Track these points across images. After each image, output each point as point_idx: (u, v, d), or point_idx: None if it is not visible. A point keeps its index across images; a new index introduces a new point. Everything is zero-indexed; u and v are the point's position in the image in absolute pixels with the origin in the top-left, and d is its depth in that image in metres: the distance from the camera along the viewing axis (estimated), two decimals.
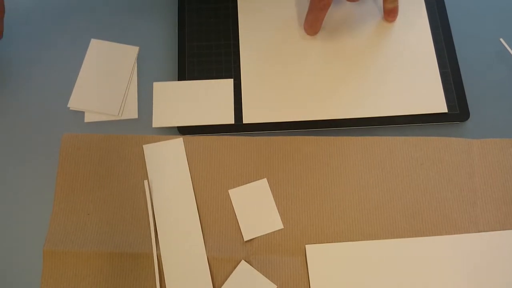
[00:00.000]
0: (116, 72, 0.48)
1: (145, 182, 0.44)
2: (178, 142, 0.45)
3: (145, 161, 0.45)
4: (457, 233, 0.42)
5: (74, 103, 0.47)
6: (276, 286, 0.41)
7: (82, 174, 0.44)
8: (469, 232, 0.42)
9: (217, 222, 0.43)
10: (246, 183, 0.44)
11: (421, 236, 0.42)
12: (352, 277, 0.41)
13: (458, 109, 0.46)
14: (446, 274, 0.41)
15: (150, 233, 0.42)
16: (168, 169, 0.44)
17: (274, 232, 0.43)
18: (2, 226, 0.44)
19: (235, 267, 0.41)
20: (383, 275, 0.41)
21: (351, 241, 0.42)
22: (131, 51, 0.49)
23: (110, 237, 0.42)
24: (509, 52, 0.48)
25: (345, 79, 0.48)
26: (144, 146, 0.45)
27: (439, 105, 0.46)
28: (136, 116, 0.47)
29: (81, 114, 0.47)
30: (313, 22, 0.48)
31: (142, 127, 0.47)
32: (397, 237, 0.42)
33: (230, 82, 0.48)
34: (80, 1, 0.52)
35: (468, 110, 0.46)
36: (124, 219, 0.43)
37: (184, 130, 0.46)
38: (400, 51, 0.49)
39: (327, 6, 0.46)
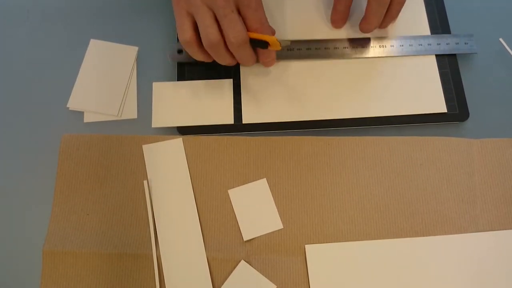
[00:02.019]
0: (116, 72, 0.48)
1: (145, 182, 0.44)
2: (177, 142, 0.45)
3: (144, 161, 0.45)
4: (456, 233, 0.42)
5: (73, 103, 0.47)
6: (276, 286, 0.41)
7: (81, 174, 0.44)
8: (469, 232, 0.42)
9: (216, 222, 0.43)
10: (246, 183, 0.44)
11: (421, 236, 0.42)
12: (351, 277, 0.41)
13: (457, 109, 0.46)
14: (445, 274, 0.41)
15: (150, 233, 0.42)
16: (167, 169, 0.44)
17: (273, 232, 0.43)
18: (2, 226, 0.44)
19: (234, 267, 0.41)
20: (383, 275, 0.41)
21: (350, 241, 0.42)
22: (131, 51, 0.49)
23: (110, 238, 0.42)
24: (508, 52, 0.48)
25: (345, 79, 0.48)
26: (144, 146, 0.45)
27: (439, 105, 0.46)
28: (135, 116, 0.47)
29: (80, 114, 0.47)
30: (343, 13, 0.48)
31: (141, 127, 0.47)
32: (396, 237, 0.42)
33: (229, 82, 0.48)
34: (80, 1, 0.52)
35: (468, 110, 0.46)
36: (123, 219, 0.43)
37: (183, 130, 0.46)
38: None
39: None
